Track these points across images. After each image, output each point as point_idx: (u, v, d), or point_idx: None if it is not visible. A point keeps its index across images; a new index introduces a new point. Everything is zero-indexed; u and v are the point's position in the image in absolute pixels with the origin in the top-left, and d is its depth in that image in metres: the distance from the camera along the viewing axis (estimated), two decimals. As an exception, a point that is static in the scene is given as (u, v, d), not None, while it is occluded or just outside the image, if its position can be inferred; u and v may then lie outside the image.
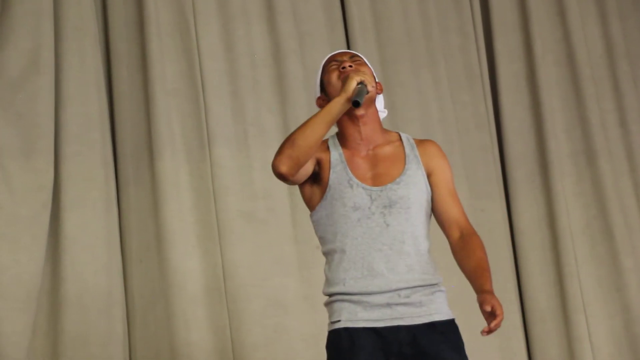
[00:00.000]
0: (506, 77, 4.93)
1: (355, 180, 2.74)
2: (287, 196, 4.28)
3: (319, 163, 2.78)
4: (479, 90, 4.86)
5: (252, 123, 4.38)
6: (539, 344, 4.66)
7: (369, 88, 2.70)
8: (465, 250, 2.72)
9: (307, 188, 2.81)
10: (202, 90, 4.32)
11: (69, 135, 4.11)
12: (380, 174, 2.76)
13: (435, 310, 2.71)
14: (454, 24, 4.92)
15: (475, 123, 4.82)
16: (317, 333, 3.85)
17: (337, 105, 2.68)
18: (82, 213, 4.06)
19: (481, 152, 4.80)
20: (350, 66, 2.80)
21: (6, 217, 3.94)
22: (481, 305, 2.57)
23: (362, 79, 2.68)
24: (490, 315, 2.55)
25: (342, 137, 2.83)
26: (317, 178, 2.79)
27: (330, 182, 2.75)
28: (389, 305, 2.68)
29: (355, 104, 2.63)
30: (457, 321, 2.74)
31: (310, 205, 2.81)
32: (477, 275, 2.67)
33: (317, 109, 2.87)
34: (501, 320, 2.55)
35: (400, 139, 2.85)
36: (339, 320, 2.70)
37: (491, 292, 2.61)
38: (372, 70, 2.87)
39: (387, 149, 2.81)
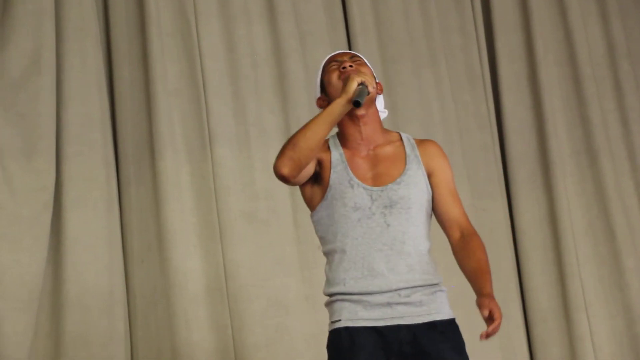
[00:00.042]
0: (507, 77, 4.93)
1: (355, 180, 2.74)
2: (289, 196, 4.28)
3: (319, 163, 2.79)
4: (480, 90, 4.86)
5: (253, 123, 4.39)
6: (541, 344, 4.65)
7: (370, 89, 2.70)
8: (466, 251, 2.72)
9: (308, 188, 2.81)
10: (203, 90, 4.32)
11: (70, 135, 4.11)
12: (380, 174, 2.76)
13: (436, 309, 2.71)
14: (455, 24, 4.92)
15: (477, 123, 4.82)
16: (318, 333, 3.84)
17: (338, 106, 2.68)
18: (84, 213, 4.06)
19: (482, 152, 4.80)
20: (351, 66, 2.80)
21: (7, 217, 3.94)
22: (479, 309, 2.57)
23: (363, 79, 2.68)
24: (489, 319, 2.55)
25: (342, 137, 2.83)
26: (318, 178, 2.79)
27: (331, 182, 2.75)
28: (389, 304, 2.68)
29: (356, 104, 2.64)
30: (458, 321, 2.74)
31: (311, 205, 2.81)
32: (476, 277, 2.67)
33: (317, 109, 2.88)
34: (499, 324, 2.55)
35: (401, 139, 2.85)
36: (339, 320, 2.70)
37: (490, 295, 2.61)
38: (373, 70, 2.87)
39: (388, 149, 2.81)
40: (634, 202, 4.91)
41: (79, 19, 4.22)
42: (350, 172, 2.76)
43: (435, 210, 2.80)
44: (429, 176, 2.79)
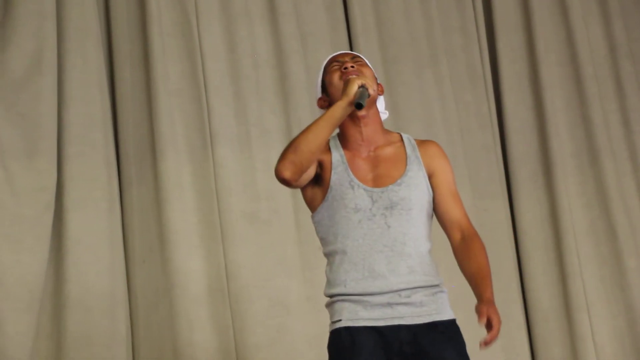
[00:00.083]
0: (509, 77, 4.93)
1: (356, 181, 2.74)
2: (290, 197, 4.28)
3: (320, 164, 2.78)
4: (482, 90, 4.86)
5: (255, 123, 4.39)
6: (542, 344, 4.65)
7: (370, 91, 2.69)
8: (466, 254, 2.72)
9: (309, 189, 2.81)
10: (204, 90, 4.32)
11: (72, 135, 4.12)
12: (381, 175, 2.76)
13: (436, 310, 2.71)
14: (456, 24, 4.92)
15: (478, 123, 4.82)
16: (319, 334, 3.83)
17: (339, 109, 2.67)
18: (85, 213, 4.07)
19: (484, 152, 4.79)
20: (352, 67, 2.80)
21: (9, 217, 3.95)
22: (477, 315, 2.57)
23: (363, 82, 2.68)
24: (487, 327, 2.55)
25: (343, 138, 2.83)
26: (319, 179, 2.79)
27: (332, 184, 2.75)
28: (389, 304, 2.68)
29: (358, 106, 2.63)
30: (458, 321, 2.75)
31: (312, 206, 2.81)
32: (477, 281, 2.67)
33: (318, 109, 2.88)
34: (497, 332, 2.55)
35: (402, 140, 2.85)
36: (339, 320, 2.71)
37: (490, 301, 2.61)
38: (374, 71, 2.86)
39: (388, 150, 2.81)
40: (635, 202, 4.90)
41: (80, 19, 4.22)
42: (350, 173, 2.75)
43: (436, 211, 2.80)
44: (430, 177, 2.79)
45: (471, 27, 4.92)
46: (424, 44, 4.81)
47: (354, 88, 2.67)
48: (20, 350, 3.84)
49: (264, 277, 4.21)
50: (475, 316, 2.66)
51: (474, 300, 2.66)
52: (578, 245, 4.72)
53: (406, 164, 2.78)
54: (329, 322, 2.77)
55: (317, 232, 2.81)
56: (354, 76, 2.73)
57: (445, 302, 2.74)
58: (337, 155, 2.79)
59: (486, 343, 2.54)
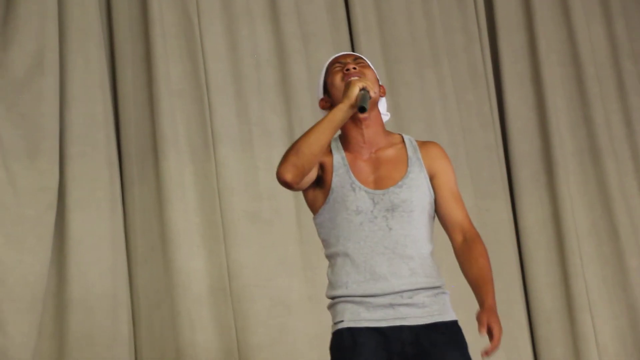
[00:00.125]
0: (510, 77, 4.92)
1: (357, 183, 2.74)
2: (292, 197, 4.28)
3: (321, 166, 2.78)
4: (484, 90, 4.86)
5: (257, 123, 4.39)
6: (545, 344, 4.65)
7: (372, 93, 2.69)
8: (468, 258, 2.72)
9: (310, 191, 2.81)
10: (206, 90, 4.32)
11: (74, 135, 4.12)
12: (382, 177, 2.76)
13: (438, 311, 2.71)
14: (458, 24, 4.92)
15: (480, 123, 4.82)
16: (321, 333, 3.84)
17: (341, 112, 2.67)
18: (87, 214, 4.07)
19: (486, 152, 4.79)
20: (355, 68, 2.79)
21: (11, 217, 3.95)
22: (478, 323, 2.57)
23: (365, 84, 2.67)
24: (489, 336, 2.56)
25: (344, 140, 2.82)
26: (320, 181, 2.79)
27: (333, 186, 2.75)
28: (391, 305, 2.68)
29: (362, 109, 2.63)
30: (460, 322, 2.74)
31: (314, 208, 2.81)
32: (478, 286, 2.67)
33: (320, 110, 2.87)
34: (499, 341, 2.56)
35: (403, 141, 2.84)
36: (341, 321, 2.71)
37: (491, 309, 2.61)
38: (376, 72, 2.86)
39: (390, 152, 2.80)
40: (637, 202, 4.90)
41: (82, 19, 4.22)
42: (352, 175, 2.75)
43: (437, 212, 2.80)
44: (431, 178, 2.79)
45: (473, 27, 4.92)
46: (425, 43, 4.80)
47: (355, 91, 2.66)
48: (22, 351, 3.84)
49: (266, 277, 4.21)
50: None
51: (475, 301, 2.67)
52: (580, 246, 4.72)
53: (407, 166, 2.77)
54: (330, 322, 2.77)
55: (319, 234, 2.81)
56: (356, 78, 2.72)
57: (447, 303, 2.74)
58: (339, 158, 2.79)
59: (487, 353, 2.54)
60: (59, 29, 4.17)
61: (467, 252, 2.73)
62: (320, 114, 2.86)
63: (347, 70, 2.79)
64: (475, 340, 2.71)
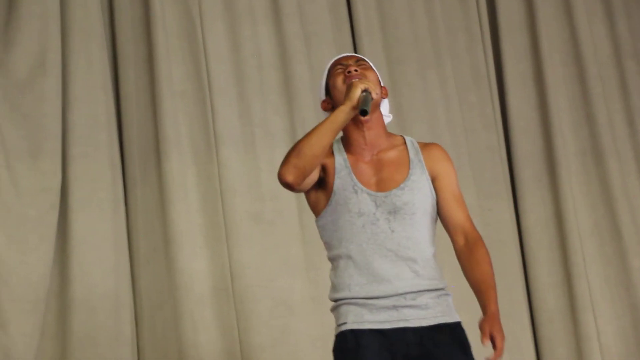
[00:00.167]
0: (513, 77, 4.92)
1: (359, 185, 2.74)
2: (294, 197, 4.28)
3: (323, 168, 2.78)
4: (486, 90, 4.86)
5: (259, 124, 4.39)
6: (548, 344, 4.65)
7: (373, 95, 2.68)
8: (470, 261, 2.72)
9: (312, 193, 2.81)
10: (208, 91, 4.32)
11: (76, 136, 4.12)
12: (384, 179, 2.75)
13: (442, 312, 2.71)
14: (460, 24, 4.92)
15: (482, 123, 4.82)
16: (324, 334, 3.85)
17: (342, 114, 2.67)
18: (90, 214, 4.07)
19: (488, 152, 4.79)
20: (356, 70, 2.79)
21: (14, 218, 3.95)
22: (480, 332, 2.57)
23: (366, 86, 2.67)
24: (493, 345, 2.56)
25: (346, 142, 2.82)
26: (322, 183, 2.79)
27: (335, 188, 2.75)
28: (395, 307, 2.68)
29: (363, 112, 2.63)
30: (463, 323, 2.74)
31: (316, 210, 2.81)
32: (481, 291, 2.67)
33: (322, 111, 2.87)
34: (502, 351, 2.56)
35: (405, 143, 2.84)
36: (345, 323, 2.70)
37: (494, 316, 2.61)
38: (378, 74, 2.85)
39: (392, 154, 2.80)
40: (640, 202, 4.91)
41: (85, 20, 4.22)
42: (354, 177, 2.75)
43: (439, 214, 2.80)
44: (433, 180, 2.79)
45: (475, 28, 4.91)
46: (427, 44, 4.80)
47: (357, 92, 2.66)
48: (25, 351, 3.84)
49: (269, 278, 4.21)
50: (479, 317, 2.66)
51: (477, 302, 2.67)
52: (583, 245, 4.72)
53: (409, 168, 2.77)
54: (333, 322, 2.77)
55: (322, 237, 2.81)
56: (357, 80, 2.72)
57: (450, 304, 2.74)
58: (341, 160, 2.78)
59: None
60: (61, 30, 4.18)
61: (469, 254, 2.72)
62: (322, 114, 2.86)
63: (349, 72, 2.79)
64: (478, 341, 2.70)
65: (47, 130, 4.06)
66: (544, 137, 4.87)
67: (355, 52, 4.52)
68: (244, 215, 4.25)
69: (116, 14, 4.33)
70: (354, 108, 2.65)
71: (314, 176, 2.74)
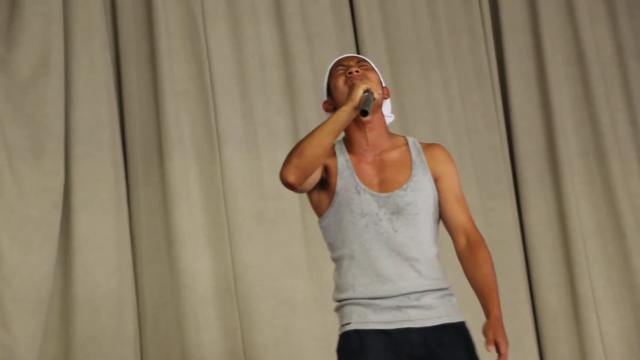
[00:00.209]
0: (516, 77, 4.92)
1: (362, 186, 2.74)
2: (297, 197, 4.28)
3: (326, 169, 2.78)
4: (489, 90, 4.86)
5: (262, 124, 4.39)
6: (551, 344, 4.65)
7: (375, 95, 2.68)
8: (472, 263, 2.72)
9: (315, 194, 2.81)
10: (211, 91, 4.32)
11: (79, 136, 4.13)
12: (387, 179, 2.75)
13: (446, 312, 2.71)
14: (463, 24, 4.91)
15: (485, 123, 4.82)
16: (326, 334, 3.85)
17: (344, 114, 2.67)
18: (92, 214, 4.07)
19: (491, 152, 4.79)
20: (357, 71, 2.79)
21: (17, 218, 3.95)
22: (485, 337, 2.57)
23: (368, 86, 2.67)
24: (497, 350, 2.57)
25: (348, 143, 2.82)
26: (325, 184, 2.79)
27: (338, 189, 2.75)
28: (399, 308, 2.68)
29: (364, 113, 2.63)
30: (467, 323, 2.74)
31: (319, 211, 2.81)
32: (483, 295, 2.67)
33: (324, 113, 2.87)
34: (506, 357, 2.57)
35: (407, 144, 2.84)
36: (349, 323, 2.70)
37: (497, 320, 2.62)
38: (379, 74, 2.85)
39: (394, 154, 2.80)
40: (643, 201, 4.90)
41: (87, 20, 4.23)
42: (356, 178, 2.75)
43: (441, 215, 2.80)
44: (435, 181, 2.78)
45: (478, 28, 4.91)
46: (430, 44, 4.80)
47: (359, 93, 2.66)
48: (28, 351, 3.84)
49: (271, 277, 4.21)
50: (483, 317, 2.66)
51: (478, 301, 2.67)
52: (585, 245, 4.71)
53: (411, 169, 2.77)
54: (336, 322, 2.78)
55: (325, 237, 2.81)
56: (359, 80, 2.72)
57: (454, 304, 2.74)
58: (343, 160, 2.78)
59: None
60: (63, 30, 4.18)
61: (470, 256, 2.73)
62: (324, 115, 2.86)
63: (350, 73, 2.79)
64: (483, 340, 2.70)
65: (50, 130, 4.06)
66: (546, 137, 4.86)
67: (358, 53, 4.52)
68: (247, 214, 4.25)
69: (119, 14, 4.34)
70: (356, 109, 2.65)
71: (316, 176, 2.74)
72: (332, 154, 2.80)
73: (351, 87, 2.69)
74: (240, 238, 4.21)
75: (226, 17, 4.45)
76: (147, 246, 4.16)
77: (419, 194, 2.73)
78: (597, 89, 4.93)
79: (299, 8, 4.54)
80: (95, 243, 4.05)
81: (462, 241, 2.75)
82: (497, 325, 2.61)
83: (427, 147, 2.84)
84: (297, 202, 4.31)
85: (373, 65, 2.87)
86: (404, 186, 2.73)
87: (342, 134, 2.83)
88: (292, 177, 2.64)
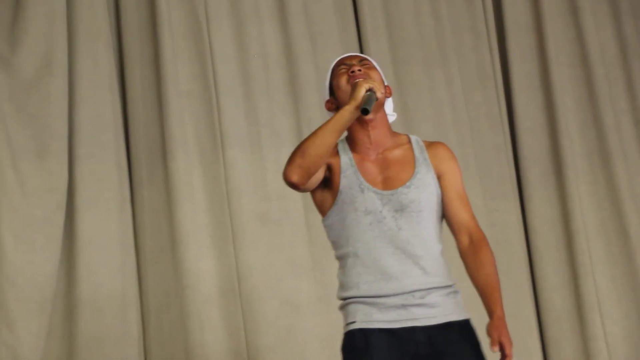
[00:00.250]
0: (519, 77, 4.92)
1: (366, 184, 2.74)
2: (301, 197, 4.28)
3: (329, 168, 2.78)
4: (492, 90, 4.85)
5: (265, 124, 4.39)
6: (555, 344, 4.64)
7: (378, 94, 2.69)
8: (474, 262, 2.72)
9: (318, 193, 2.81)
10: (214, 91, 4.32)
11: (83, 136, 4.13)
12: (390, 177, 2.76)
13: (451, 310, 2.71)
14: (466, 24, 4.91)
15: (489, 123, 4.81)
16: (330, 334, 3.85)
17: (347, 113, 2.67)
18: (96, 214, 4.07)
19: (495, 152, 4.78)
20: (360, 70, 2.80)
21: (21, 218, 3.95)
22: (489, 337, 2.58)
23: (371, 85, 2.67)
24: (501, 351, 2.57)
25: (351, 142, 2.82)
26: (328, 183, 2.79)
27: (341, 187, 2.75)
28: (404, 306, 2.68)
29: (364, 111, 2.63)
30: (472, 321, 2.74)
31: (322, 210, 2.81)
32: (486, 294, 2.68)
33: (327, 112, 2.87)
34: (510, 358, 2.57)
35: (410, 142, 2.84)
36: (354, 322, 2.70)
37: (501, 320, 2.62)
38: (381, 73, 2.85)
39: (397, 153, 2.80)
40: (646, 202, 4.90)
41: (91, 21, 4.23)
42: (360, 176, 2.75)
43: (443, 213, 2.80)
44: (438, 179, 2.78)
45: (481, 27, 4.91)
46: (434, 44, 4.80)
47: (361, 92, 2.66)
48: (32, 351, 3.85)
49: (275, 278, 4.20)
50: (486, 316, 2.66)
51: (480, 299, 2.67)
52: (589, 246, 4.71)
53: (415, 166, 2.77)
54: (340, 322, 2.77)
55: (329, 236, 2.81)
56: (362, 79, 2.72)
57: (459, 302, 2.74)
58: (346, 159, 2.79)
59: None
60: (67, 31, 4.18)
61: (473, 255, 2.73)
62: (328, 115, 2.86)
63: (352, 72, 2.79)
64: (487, 338, 2.70)
65: (54, 131, 4.07)
66: (550, 137, 4.86)
67: (361, 52, 4.52)
68: (251, 215, 4.25)
69: (122, 15, 4.34)
70: (359, 107, 2.65)
71: (319, 175, 2.74)
72: (335, 152, 2.80)
73: (354, 86, 2.70)
74: (244, 239, 4.21)
75: (229, 17, 4.45)
76: (150, 246, 4.16)
77: (423, 191, 2.73)
78: (601, 90, 4.93)
79: (302, 7, 4.54)
80: (99, 243, 4.05)
81: (465, 240, 2.75)
82: (500, 325, 2.61)
83: (430, 145, 2.85)
84: (300, 203, 4.30)
85: (375, 64, 2.87)
86: (408, 183, 2.73)
87: (345, 133, 2.83)
88: (295, 177, 2.64)
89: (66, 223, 4.04)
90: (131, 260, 4.11)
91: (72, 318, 3.96)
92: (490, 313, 2.64)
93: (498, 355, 2.62)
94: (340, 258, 2.77)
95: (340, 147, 2.82)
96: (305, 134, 4.01)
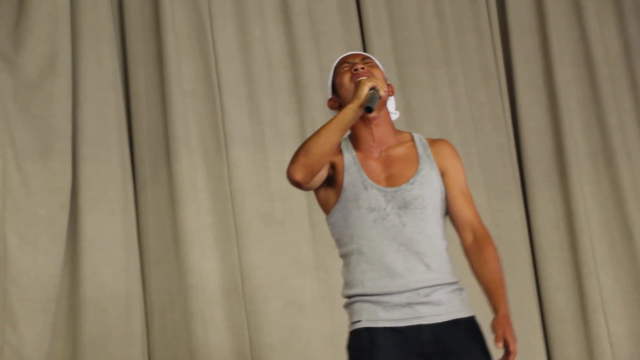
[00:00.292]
0: (523, 77, 4.91)
1: (369, 181, 2.74)
2: (304, 197, 4.28)
3: (332, 166, 2.78)
4: (496, 90, 4.85)
5: (269, 124, 4.39)
6: (558, 344, 4.64)
7: (381, 93, 2.69)
8: (478, 259, 2.72)
9: (322, 191, 2.81)
10: (218, 91, 4.32)
11: (86, 136, 4.13)
12: (394, 174, 2.76)
13: (456, 308, 2.70)
14: (470, 24, 4.91)
15: (492, 123, 4.81)
16: (334, 334, 3.85)
17: (350, 112, 2.67)
18: (100, 214, 4.08)
19: (498, 152, 4.78)
20: (363, 68, 2.80)
21: (25, 218, 3.96)
22: (493, 334, 2.58)
23: (374, 84, 2.67)
24: (505, 347, 2.57)
25: (354, 140, 2.82)
26: (332, 181, 2.79)
27: (345, 185, 2.75)
28: (409, 304, 2.67)
29: (368, 110, 2.63)
30: (477, 318, 2.74)
31: (326, 208, 2.81)
32: (490, 291, 2.68)
33: (330, 111, 2.87)
34: (514, 355, 2.57)
35: (413, 139, 2.84)
36: (359, 321, 2.70)
37: (505, 318, 2.62)
38: (384, 72, 2.86)
39: (400, 150, 2.81)
40: (650, 201, 4.89)
41: (95, 20, 4.23)
42: (363, 173, 2.75)
43: (447, 211, 2.80)
44: (442, 176, 2.79)
45: (485, 27, 4.91)
46: (437, 44, 4.80)
47: (364, 90, 2.66)
48: (35, 351, 3.85)
49: (279, 278, 4.20)
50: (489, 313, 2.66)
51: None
52: (593, 246, 4.70)
53: (418, 163, 2.77)
54: (344, 322, 2.77)
55: (332, 234, 2.81)
56: (365, 78, 2.72)
57: (464, 299, 2.74)
58: (349, 157, 2.79)
59: None
60: (71, 31, 4.19)
61: (477, 252, 2.73)
62: (331, 113, 2.87)
63: (355, 70, 2.80)
64: (492, 336, 2.69)
65: (57, 131, 4.07)
66: (554, 137, 4.86)
67: (365, 52, 4.52)
68: (254, 215, 4.25)
69: (126, 14, 4.34)
70: (362, 106, 2.65)
71: (323, 174, 2.74)
72: (339, 150, 2.80)
73: (357, 85, 2.70)
74: (248, 239, 4.21)
75: (233, 17, 4.45)
76: (154, 246, 4.16)
77: (427, 187, 2.73)
78: (604, 90, 4.92)
79: (305, 7, 4.54)
80: (103, 243, 4.05)
81: (469, 237, 2.75)
82: (505, 322, 2.61)
83: (433, 142, 2.85)
84: (304, 202, 4.30)
85: (378, 62, 2.87)
86: (411, 180, 2.73)
87: (348, 131, 2.83)
88: (299, 176, 2.64)
89: (70, 223, 4.04)
90: (135, 260, 4.11)
91: (76, 318, 3.96)
92: (495, 310, 2.64)
93: (501, 352, 2.62)
94: (345, 256, 2.77)
95: (343, 145, 2.82)
96: (309, 134, 4.00)
